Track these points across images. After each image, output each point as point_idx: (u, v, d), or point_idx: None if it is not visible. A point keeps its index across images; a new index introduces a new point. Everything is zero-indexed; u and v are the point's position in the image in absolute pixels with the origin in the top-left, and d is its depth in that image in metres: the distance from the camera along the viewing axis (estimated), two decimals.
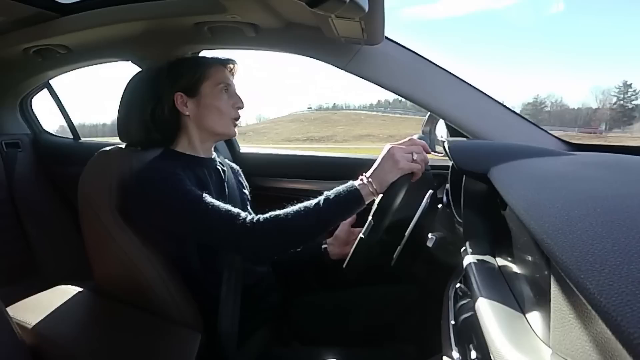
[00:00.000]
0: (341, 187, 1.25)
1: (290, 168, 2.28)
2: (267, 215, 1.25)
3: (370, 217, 1.26)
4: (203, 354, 1.38)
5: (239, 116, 1.53)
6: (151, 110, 1.53)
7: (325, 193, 1.25)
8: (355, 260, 1.29)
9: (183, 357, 1.34)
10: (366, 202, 1.23)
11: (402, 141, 1.26)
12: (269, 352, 1.46)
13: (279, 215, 1.24)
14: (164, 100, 1.50)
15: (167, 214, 1.32)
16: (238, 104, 1.52)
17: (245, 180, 1.79)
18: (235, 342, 1.43)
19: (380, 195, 1.23)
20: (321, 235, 1.36)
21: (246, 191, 1.73)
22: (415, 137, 1.34)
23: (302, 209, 1.24)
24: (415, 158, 1.21)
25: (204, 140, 1.54)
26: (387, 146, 1.25)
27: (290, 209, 1.25)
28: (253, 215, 1.26)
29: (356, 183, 1.24)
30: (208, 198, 1.29)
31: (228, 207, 1.29)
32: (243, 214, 1.26)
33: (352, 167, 1.80)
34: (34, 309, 1.47)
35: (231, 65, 1.55)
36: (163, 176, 1.33)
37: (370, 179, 1.22)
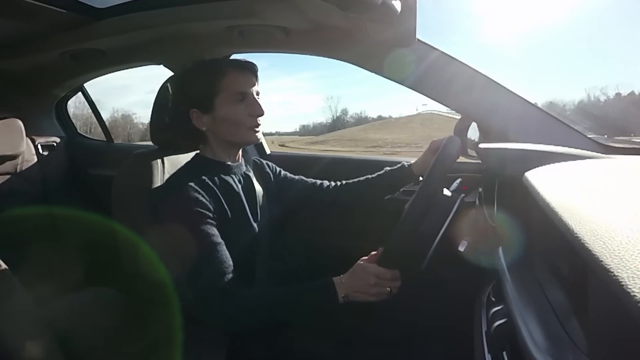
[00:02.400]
0: (320, 285, 1.28)
1: (318, 170, 2.26)
2: (247, 294, 1.28)
3: None
4: (231, 353, 1.39)
5: (258, 124, 1.48)
6: (175, 120, 1.54)
7: (305, 286, 1.29)
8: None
9: (209, 353, 1.35)
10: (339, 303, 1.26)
11: (384, 272, 1.24)
12: (296, 351, 1.46)
13: (256, 300, 1.27)
14: (181, 114, 1.49)
15: (177, 234, 1.31)
16: (256, 111, 1.45)
17: (273, 169, 1.80)
18: (262, 341, 1.44)
19: None
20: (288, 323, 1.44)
21: (275, 184, 1.74)
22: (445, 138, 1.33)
23: (278, 300, 1.27)
24: (389, 291, 1.25)
25: (226, 150, 1.53)
26: (369, 268, 1.27)
27: (269, 295, 1.28)
28: (237, 286, 1.28)
29: (335, 281, 1.27)
30: (215, 247, 1.30)
31: (225, 265, 1.29)
32: (230, 283, 1.27)
33: (377, 169, 1.78)
34: (66, 309, 1.49)
35: (248, 70, 1.48)
36: (187, 197, 1.33)
37: (345, 294, 1.25)
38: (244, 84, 1.44)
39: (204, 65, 1.49)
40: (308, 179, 1.81)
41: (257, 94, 1.48)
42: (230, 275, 1.27)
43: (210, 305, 1.28)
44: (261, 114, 1.46)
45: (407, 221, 1.21)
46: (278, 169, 1.81)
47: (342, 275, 1.28)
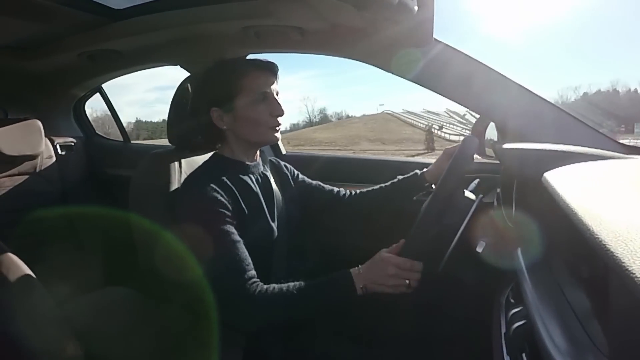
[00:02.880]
0: (337, 277, 1.28)
1: (334, 170, 2.26)
2: (265, 291, 1.27)
3: None
4: (248, 353, 1.39)
5: (279, 124, 1.49)
6: (194, 119, 1.54)
7: (323, 279, 1.29)
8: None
9: (228, 352, 1.35)
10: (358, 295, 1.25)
11: (403, 262, 1.24)
12: (313, 351, 1.46)
13: (275, 297, 1.25)
14: (201, 113, 1.49)
15: (195, 233, 1.31)
16: (277, 111, 1.46)
17: (291, 172, 1.80)
18: (279, 338, 1.44)
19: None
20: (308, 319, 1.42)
21: (293, 186, 1.74)
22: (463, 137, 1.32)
23: (296, 296, 1.26)
24: (408, 283, 1.23)
25: (245, 149, 1.54)
26: (388, 258, 1.26)
27: (288, 291, 1.26)
28: (256, 284, 1.28)
29: (353, 272, 1.27)
30: (234, 245, 1.31)
31: (244, 264, 1.30)
32: (250, 282, 1.27)
33: (402, 170, 1.78)
34: (86, 309, 1.50)
35: (269, 70, 1.48)
36: (206, 195, 1.34)
37: (364, 285, 1.24)
38: (265, 83, 1.45)
39: (226, 64, 1.51)
40: (325, 186, 1.81)
41: (277, 93, 1.48)
42: (249, 274, 1.28)
43: (230, 304, 1.29)
44: (281, 113, 1.47)
45: (428, 215, 1.21)
46: (296, 172, 1.81)
47: (359, 266, 1.28)
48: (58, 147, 2.64)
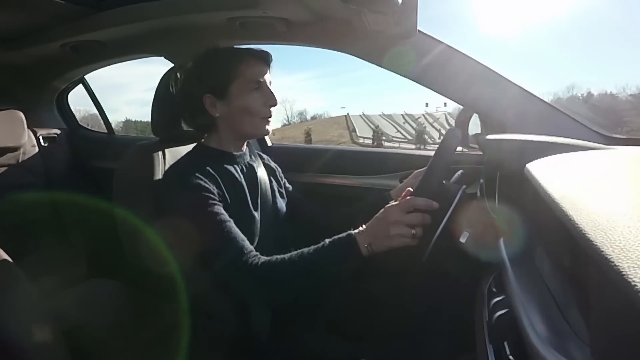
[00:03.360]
0: (339, 238, 1.25)
1: (321, 162, 2.26)
2: (268, 261, 1.25)
3: None
4: (235, 345, 1.39)
5: (271, 114, 1.49)
6: (182, 108, 1.54)
7: (325, 242, 1.25)
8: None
9: (215, 346, 1.35)
10: (364, 255, 1.21)
11: (405, 202, 1.21)
12: (301, 344, 1.46)
13: (279, 265, 1.24)
14: (193, 100, 1.48)
15: (184, 221, 1.31)
16: (270, 101, 1.47)
17: (279, 170, 1.81)
18: (267, 333, 1.44)
19: None
20: (316, 287, 1.38)
21: (280, 182, 1.75)
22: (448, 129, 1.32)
23: (300, 262, 1.23)
24: (414, 233, 1.18)
25: (234, 140, 1.54)
26: (389, 205, 1.23)
27: (291, 258, 1.25)
28: (257, 257, 1.27)
29: (355, 232, 1.24)
30: (226, 225, 1.30)
31: (240, 240, 1.30)
32: (250, 255, 1.27)
33: (385, 162, 1.78)
34: (71, 301, 1.49)
35: (263, 60, 1.49)
36: (190, 183, 1.34)
37: (368, 243, 1.21)
38: (259, 72, 1.46)
39: (221, 51, 1.51)
40: (304, 202, 1.83)
41: (270, 83, 1.49)
42: (247, 248, 1.28)
43: (235, 281, 1.29)
44: (275, 103, 1.48)
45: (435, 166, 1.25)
46: (284, 180, 1.82)
47: (364, 225, 1.25)
48: (41, 138, 2.61)
